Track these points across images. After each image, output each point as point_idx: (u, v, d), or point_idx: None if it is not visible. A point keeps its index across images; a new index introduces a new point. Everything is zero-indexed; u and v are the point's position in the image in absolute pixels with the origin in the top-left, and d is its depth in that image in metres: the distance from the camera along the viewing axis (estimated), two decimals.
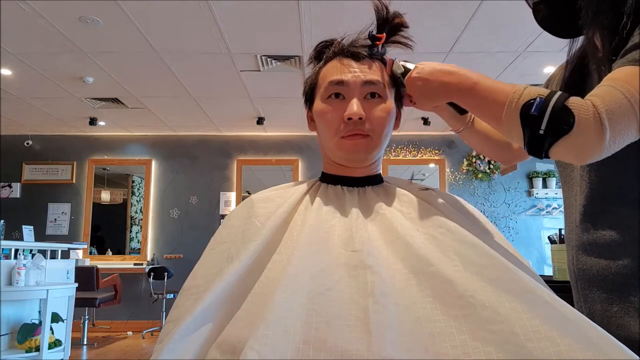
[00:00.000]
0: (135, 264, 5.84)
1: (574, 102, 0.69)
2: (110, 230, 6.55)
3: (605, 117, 0.66)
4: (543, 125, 0.68)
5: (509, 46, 3.68)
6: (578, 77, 0.92)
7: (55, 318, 3.64)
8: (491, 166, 6.01)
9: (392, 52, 0.92)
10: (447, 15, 3.23)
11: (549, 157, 0.73)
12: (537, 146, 0.70)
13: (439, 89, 0.80)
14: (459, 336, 0.60)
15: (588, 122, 0.67)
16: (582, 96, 0.75)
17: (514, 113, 0.71)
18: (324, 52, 0.91)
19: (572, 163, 0.80)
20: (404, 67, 0.85)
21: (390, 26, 0.89)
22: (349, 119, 0.81)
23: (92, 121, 5.54)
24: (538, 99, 0.69)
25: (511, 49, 3.74)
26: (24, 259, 3.51)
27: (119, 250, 6.40)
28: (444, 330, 0.61)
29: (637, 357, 0.57)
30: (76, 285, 3.87)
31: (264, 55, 3.88)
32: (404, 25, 0.90)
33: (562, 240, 2.10)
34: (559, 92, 0.70)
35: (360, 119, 0.81)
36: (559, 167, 0.97)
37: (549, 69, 4.02)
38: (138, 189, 6.55)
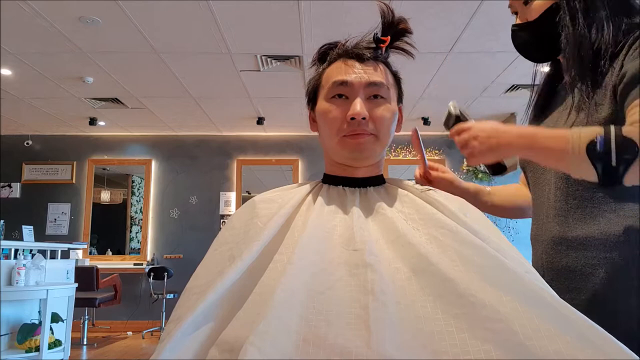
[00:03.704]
0: (135, 264, 5.84)
1: (629, 131, 0.77)
2: (110, 230, 6.56)
3: None
4: (613, 158, 0.76)
5: (509, 46, 3.66)
6: (545, 97, 1.07)
7: (55, 318, 3.65)
8: None
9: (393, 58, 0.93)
10: (447, 15, 3.23)
11: (621, 184, 0.79)
12: (611, 177, 0.78)
13: (500, 147, 0.88)
14: (459, 335, 0.61)
15: None
16: (549, 112, 0.98)
17: (581, 155, 0.78)
18: (327, 54, 0.92)
19: None
20: (462, 112, 0.95)
21: (394, 30, 0.89)
22: (352, 118, 0.81)
23: (92, 121, 5.55)
24: (599, 137, 0.77)
25: (511, 49, 3.71)
26: (24, 259, 3.51)
27: (119, 250, 6.40)
28: (444, 329, 0.61)
29: (636, 356, 0.57)
30: (76, 285, 3.87)
31: (264, 55, 3.89)
32: (408, 31, 0.90)
33: None
34: (612, 127, 0.78)
35: (364, 118, 0.81)
36: (529, 171, 1.07)
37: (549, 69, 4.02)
38: (138, 189, 6.55)
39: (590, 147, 0.77)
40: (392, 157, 6.11)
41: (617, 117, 0.85)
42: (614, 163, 0.76)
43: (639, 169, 0.76)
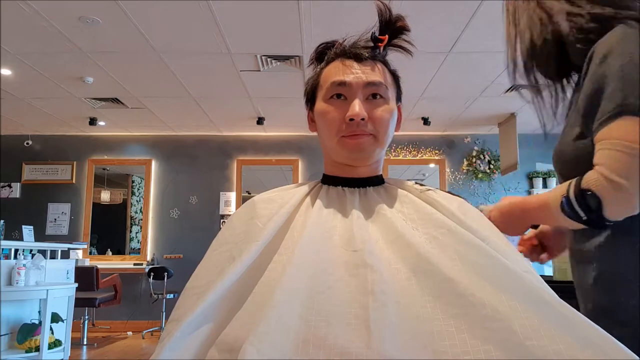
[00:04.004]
0: (135, 264, 5.84)
1: (587, 181, 0.79)
2: (110, 230, 6.55)
3: (617, 178, 0.75)
4: (581, 215, 0.80)
5: None
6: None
7: (55, 318, 3.65)
8: (491, 166, 6.01)
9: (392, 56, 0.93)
10: (447, 15, 3.23)
11: (612, 223, 0.81)
12: (595, 224, 0.81)
13: (512, 225, 0.96)
14: (459, 335, 0.61)
15: (607, 190, 0.76)
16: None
17: (561, 217, 0.84)
18: (325, 53, 0.92)
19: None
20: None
21: (392, 29, 0.89)
22: (351, 119, 0.81)
23: (92, 121, 5.55)
24: (563, 199, 0.82)
25: None
26: (24, 259, 3.51)
27: (119, 250, 6.40)
28: (444, 329, 0.61)
29: (637, 357, 0.57)
30: (76, 285, 3.87)
31: (264, 55, 3.89)
32: (406, 29, 0.90)
33: None
34: (572, 182, 0.81)
35: (363, 119, 0.81)
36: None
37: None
38: (138, 189, 6.55)
39: (562, 209, 0.83)
40: (392, 157, 6.11)
41: (586, 136, 0.86)
42: (584, 218, 0.80)
43: (614, 208, 0.77)
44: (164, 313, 5.43)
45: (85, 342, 5.01)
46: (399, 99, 0.92)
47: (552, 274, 2.13)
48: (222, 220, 6.00)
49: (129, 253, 6.33)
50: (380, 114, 0.83)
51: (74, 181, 6.10)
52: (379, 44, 0.87)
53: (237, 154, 6.20)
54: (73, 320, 3.89)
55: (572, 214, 0.81)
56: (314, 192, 0.88)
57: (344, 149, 0.84)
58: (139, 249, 6.08)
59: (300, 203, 0.84)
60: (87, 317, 5.14)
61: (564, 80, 1.00)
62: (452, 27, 3.41)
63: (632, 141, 0.75)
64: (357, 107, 0.81)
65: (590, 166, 0.81)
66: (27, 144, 6.11)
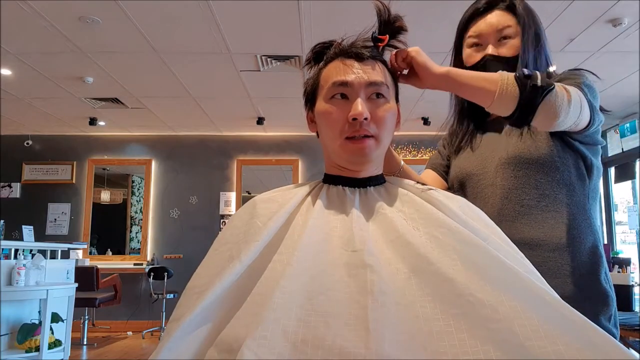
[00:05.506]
0: (135, 264, 5.84)
1: (550, 82, 0.89)
2: (110, 230, 6.55)
3: (571, 93, 0.90)
4: (539, 78, 0.86)
5: None
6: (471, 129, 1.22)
7: (55, 318, 3.65)
8: None
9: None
10: (447, 15, 3.23)
11: (529, 123, 0.91)
12: (529, 105, 0.87)
13: (442, 70, 0.93)
14: (458, 335, 0.61)
15: (561, 88, 0.89)
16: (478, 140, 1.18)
17: (510, 80, 0.88)
18: (322, 53, 0.91)
19: (541, 128, 0.98)
20: None
21: (391, 29, 0.89)
22: (354, 119, 0.80)
23: (92, 121, 5.55)
24: (526, 69, 0.89)
25: None
26: (24, 259, 3.51)
27: (119, 250, 6.40)
28: (443, 329, 0.61)
29: (637, 355, 0.57)
30: (76, 285, 3.87)
31: (264, 55, 3.89)
32: (404, 29, 0.90)
33: None
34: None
35: (366, 119, 0.80)
36: (470, 186, 1.17)
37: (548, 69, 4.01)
38: (138, 189, 6.55)
39: (519, 74, 0.88)
40: None
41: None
42: (539, 82, 0.85)
43: (550, 104, 0.86)
44: (164, 313, 5.43)
45: (85, 342, 5.01)
46: (397, 98, 0.92)
47: None
48: (222, 220, 6.00)
49: (129, 253, 6.33)
50: (382, 114, 0.83)
51: (74, 181, 6.09)
52: (379, 44, 0.87)
53: (237, 154, 6.19)
54: (73, 320, 3.89)
55: (526, 78, 0.86)
56: (314, 191, 0.88)
57: (346, 153, 0.83)
58: (139, 249, 6.08)
59: (301, 203, 0.84)
60: (87, 317, 5.14)
61: None
62: (452, 27, 3.40)
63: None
64: (359, 106, 0.80)
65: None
66: (27, 144, 6.11)
